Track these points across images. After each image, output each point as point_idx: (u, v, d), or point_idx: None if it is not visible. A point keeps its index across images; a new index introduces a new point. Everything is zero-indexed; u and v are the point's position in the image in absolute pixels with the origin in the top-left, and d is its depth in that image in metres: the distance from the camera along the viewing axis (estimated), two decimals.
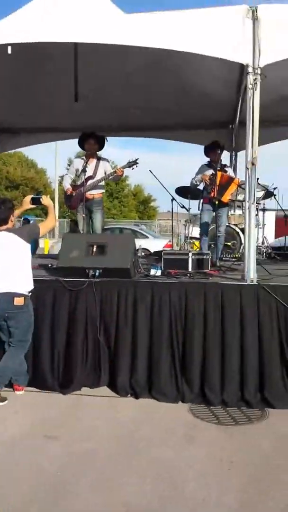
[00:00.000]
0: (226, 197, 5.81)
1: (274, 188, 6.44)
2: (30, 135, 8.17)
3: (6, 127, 7.80)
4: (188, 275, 4.37)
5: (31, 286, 3.71)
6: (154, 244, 13.01)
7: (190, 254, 4.63)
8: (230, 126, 7.91)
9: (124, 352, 3.90)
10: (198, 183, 6.14)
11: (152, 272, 4.30)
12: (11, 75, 5.55)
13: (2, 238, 3.60)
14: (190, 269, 4.57)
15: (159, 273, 4.31)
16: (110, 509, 2.30)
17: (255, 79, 3.89)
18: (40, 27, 4.14)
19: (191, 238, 7.03)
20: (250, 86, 3.91)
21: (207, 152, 6.30)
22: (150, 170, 6.53)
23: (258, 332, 3.77)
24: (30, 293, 3.70)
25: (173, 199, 7.10)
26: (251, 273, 3.90)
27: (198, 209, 6.36)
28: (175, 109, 7.08)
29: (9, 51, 4.05)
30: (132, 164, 5.21)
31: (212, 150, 6.20)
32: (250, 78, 3.89)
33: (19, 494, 2.40)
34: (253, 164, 3.89)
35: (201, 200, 6.22)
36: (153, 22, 4.03)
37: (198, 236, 6.53)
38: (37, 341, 3.97)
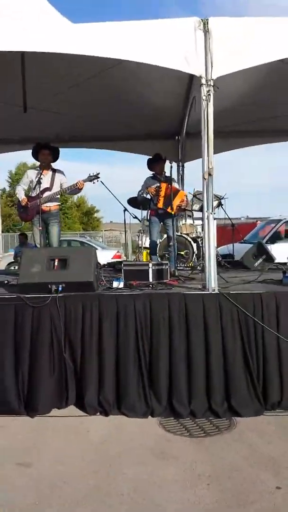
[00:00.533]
0: (172, 209, 5.89)
1: (224, 198, 6.63)
2: None
3: None
4: (151, 286, 4.35)
5: None
6: (103, 255, 12.91)
7: (150, 265, 4.62)
8: (176, 137, 8.10)
9: (91, 368, 3.80)
10: (144, 194, 6.20)
11: (115, 284, 4.25)
12: None
13: None
14: (151, 279, 4.56)
15: (121, 285, 4.27)
16: None
17: (208, 91, 3.97)
18: None
19: (145, 248, 7.04)
20: (203, 97, 3.98)
21: (150, 165, 6.40)
22: (101, 182, 6.47)
23: (221, 340, 3.81)
24: None
25: (125, 209, 7.10)
26: (212, 282, 3.95)
27: (146, 220, 6.44)
28: (122, 121, 7.14)
29: None
30: (93, 178, 5.15)
31: (155, 163, 6.31)
32: (204, 90, 3.97)
33: None
34: (209, 174, 3.97)
35: (148, 212, 6.31)
36: (103, 32, 4.01)
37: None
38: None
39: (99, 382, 3.79)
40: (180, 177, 8.14)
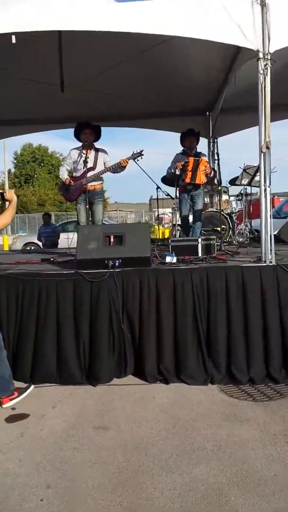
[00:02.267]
0: (199, 178, 5.92)
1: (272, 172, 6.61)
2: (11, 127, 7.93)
3: None
4: (205, 260, 4.45)
5: None
6: None
7: (199, 240, 4.70)
8: (207, 113, 8.07)
9: (150, 339, 3.93)
10: (173, 171, 6.23)
11: (168, 259, 4.34)
12: None
13: None
14: (200, 254, 4.65)
15: (174, 260, 4.36)
16: (190, 486, 2.35)
17: (265, 65, 3.98)
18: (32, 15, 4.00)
19: (179, 225, 7.10)
20: (261, 71, 4.01)
21: (182, 140, 6.40)
22: (135, 161, 6.47)
23: (278, 310, 3.92)
24: None
25: (158, 187, 7.16)
26: (269, 254, 4.03)
27: (176, 198, 6.51)
28: (157, 98, 7.12)
29: (13, 40, 3.90)
30: (137, 155, 5.19)
31: (187, 137, 6.32)
32: (261, 64, 3.99)
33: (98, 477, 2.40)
34: (267, 147, 4.00)
35: (177, 189, 6.36)
36: (157, 8, 4.01)
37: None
38: (61, 335, 3.92)
39: (158, 352, 3.93)
40: (211, 152, 8.13)
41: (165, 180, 7.11)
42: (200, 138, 6.74)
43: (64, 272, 4.11)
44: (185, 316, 3.93)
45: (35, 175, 34.02)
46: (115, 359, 3.97)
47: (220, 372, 3.87)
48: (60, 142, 77.60)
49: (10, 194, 3.78)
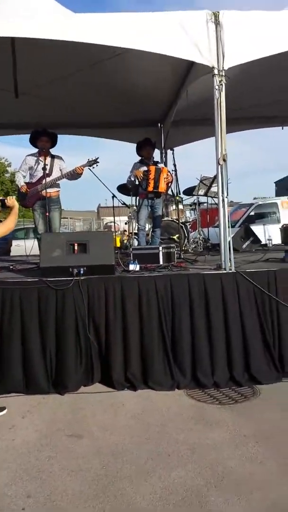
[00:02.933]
0: (162, 186, 6.09)
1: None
2: None
3: None
4: (168, 268, 4.54)
5: None
6: None
7: (160, 248, 4.80)
8: (159, 124, 8.26)
9: (117, 346, 3.95)
10: (133, 179, 6.33)
11: (131, 267, 4.39)
12: None
13: None
14: (161, 262, 4.75)
15: (137, 268, 4.42)
16: (169, 489, 2.39)
17: (220, 81, 4.17)
18: None
19: (135, 234, 7.19)
20: (216, 87, 4.18)
21: (139, 149, 6.53)
22: (89, 169, 6.49)
23: (239, 316, 4.08)
24: None
25: (113, 196, 7.20)
26: (228, 262, 4.20)
27: (136, 206, 6.60)
28: (111, 108, 7.23)
29: None
30: (92, 163, 5.20)
31: (144, 146, 6.46)
32: (216, 80, 4.17)
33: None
34: (224, 160, 4.18)
35: (138, 197, 6.47)
36: (115, 21, 4.11)
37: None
38: (27, 344, 3.84)
39: (125, 359, 3.96)
40: (163, 163, 8.31)
41: (121, 188, 7.18)
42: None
43: (29, 280, 4.04)
44: (151, 323, 3.99)
45: None
46: (82, 367, 3.95)
47: (185, 377, 3.95)
48: (6, 148, 75.76)
49: (12, 200, 3.76)
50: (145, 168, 6.23)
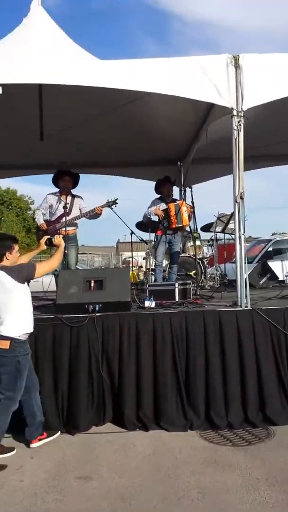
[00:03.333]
0: (185, 221, 6.17)
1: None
2: None
3: None
4: (183, 304, 4.55)
5: (22, 329, 3.43)
6: None
7: (176, 285, 4.82)
8: (179, 163, 8.45)
9: (130, 385, 3.93)
10: (151, 216, 6.43)
11: (147, 304, 4.41)
12: None
13: None
14: (177, 299, 4.76)
15: (153, 304, 4.44)
16: None
17: (239, 121, 4.27)
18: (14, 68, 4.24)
19: (152, 270, 7.24)
20: (235, 127, 4.27)
21: (158, 187, 6.66)
22: (110, 207, 6.60)
23: (255, 354, 4.02)
24: (23, 337, 3.43)
25: (132, 232, 7.31)
26: (244, 299, 4.19)
27: (154, 242, 6.68)
28: (132, 148, 7.44)
29: (0, 91, 4.08)
30: (111, 203, 5.34)
31: (164, 184, 6.58)
32: (235, 121, 4.27)
33: None
34: (241, 198, 4.24)
35: (156, 234, 6.56)
36: (136, 68, 4.30)
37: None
38: (39, 382, 3.85)
39: (137, 398, 3.93)
40: (182, 200, 8.44)
41: (140, 225, 7.29)
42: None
43: (44, 317, 4.10)
44: (165, 361, 3.97)
45: (2, 218, 33.92)
46: (94, 407, 3.93)
47: (199, 417, 3.89)
48: (29, 186, 78.25)
49: (59, 239, 3.90)
50: (164, 205, 6.33)
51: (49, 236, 4.01)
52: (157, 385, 3.95)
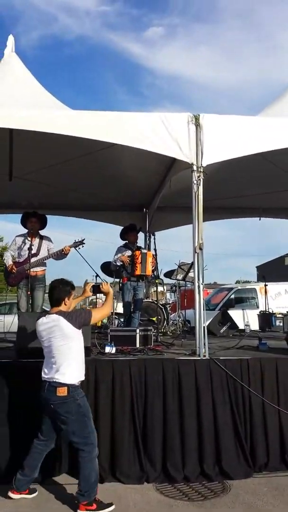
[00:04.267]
0: (148, 270, 6.29)
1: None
2: None
3: None
4: (143, 351, 4.55)
5: (79, 377, 3.40)
6: None
7: (137, 331, 4.84)
8: (144, 209, 8.67)
9: None
10: (117, 263, 6.52)
11: (107, 349, 4.39)
12: None
13: (50, 322, 3.37)
14: (137, 345, 4.77)
15: (113, 350, 4.42)
16: None
17: (198, 176, 4.49)
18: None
19: (117, 314, 7.23)
20: (194, 181, 4.49)
21: (124, 234, 6.78)
22: (76, 249, 6.67)
23: (212, 404, 4.03)
24: (77, 383, 3.38)
25: (97, 275, 7.34)
26: (203, 348, 4.24)
27: (119, 289, 6.73)
28: (99, 193, 7.64)
29: None
30: (78, 244, 5.39)
31: (130, 232, 6.71)
32: (195, 175, 4.49)
33: None
34: (200, 248, 4.39)
35: (121, 280, 6.63)
36: (105, 119, 4.51)
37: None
38: None
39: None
40: (147, 246, 8.60)
41: (104, 268, 7.32)
42: None
43: (2, 361, 4.00)
44: (123, 410, 3.93)
45: None
46: (50, 457, 3.78)
47: (155, 469, 3.83)
48: None
49: (106, 286, 3.82)
50: (129, 252, 6.43)
51: (94, 283, 3.94)
52: (114, 436, 3.87)
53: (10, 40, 6.45)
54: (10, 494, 3.37)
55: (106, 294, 3.82)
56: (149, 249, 8.57)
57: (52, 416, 3.36)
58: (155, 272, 6.71)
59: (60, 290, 3.51)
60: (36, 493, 3.48)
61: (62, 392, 3.27)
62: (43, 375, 3.39)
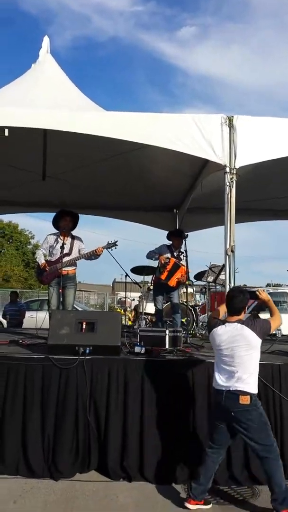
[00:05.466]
0: (173, 282, 6.27)
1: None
2: None
3: None
4: (173, 352, 4.56)
5: (257, 385, 3.38)
6: None
7: (167, 332, 4.84)
8: (175, 210, 8.66)
9: (115, 433, 3.89)
10: (154, 259, 6.51)
11: (137, 349, 4.41)
12: None
13: (234, 331, 3.35)
14: (167, 346, 4.77)
15: (143, 350, 4.44)
16: None
17: (231, 178, 4.47)
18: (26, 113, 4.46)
19: (145, 313, 7.28)
20: (227, 183, 4.47)
21: (170, 238, 6.77)
22: (107, 249, 6.68)
23: None
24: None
25: (126, 274, 7.38)
26: None
27: (150, 284, 6.71)
28: (131, 193, 7.67)
29: (6, 133, 4.26)
30: (111, 245, 5.44)
31: (175, 237, 6.66)
32: (228, 177, 4.47)
33: None
34: (232, 251, 4.36)
35: (152, 278, 6.62)
36: (138, 120, 4.55)
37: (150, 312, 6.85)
38: (26, 424, 3.82)
39: (123, 447, 3.87)
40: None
41: (135, 270, 7.34)
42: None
43: (34, 357, 4.09)
44: (152, 410, 3.94)
45: (3, 251, 33.99)
46: (79, 454, 3.89)
47: (183, 471, 3.81)
48: (30, 220, 78.66)
49: (264, 294, 3.70)
50: (169, 255, 6.43)
51: (251, 289, 3.86)
52: (142, 435, 3.89)
53: (46, 41, 6.55)
54: (187, 504, 3.33)
55: (265, 301, 3.67)
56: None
57: (231, 424, 3.32)
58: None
59: (242, 299, 3.48)
60: (211, 505, 3.40)
61: (245, 400, 3.24)
62: (219, 382, 3.36)
